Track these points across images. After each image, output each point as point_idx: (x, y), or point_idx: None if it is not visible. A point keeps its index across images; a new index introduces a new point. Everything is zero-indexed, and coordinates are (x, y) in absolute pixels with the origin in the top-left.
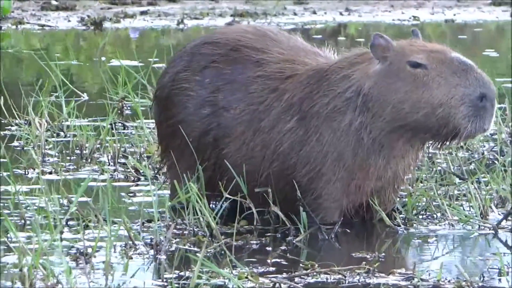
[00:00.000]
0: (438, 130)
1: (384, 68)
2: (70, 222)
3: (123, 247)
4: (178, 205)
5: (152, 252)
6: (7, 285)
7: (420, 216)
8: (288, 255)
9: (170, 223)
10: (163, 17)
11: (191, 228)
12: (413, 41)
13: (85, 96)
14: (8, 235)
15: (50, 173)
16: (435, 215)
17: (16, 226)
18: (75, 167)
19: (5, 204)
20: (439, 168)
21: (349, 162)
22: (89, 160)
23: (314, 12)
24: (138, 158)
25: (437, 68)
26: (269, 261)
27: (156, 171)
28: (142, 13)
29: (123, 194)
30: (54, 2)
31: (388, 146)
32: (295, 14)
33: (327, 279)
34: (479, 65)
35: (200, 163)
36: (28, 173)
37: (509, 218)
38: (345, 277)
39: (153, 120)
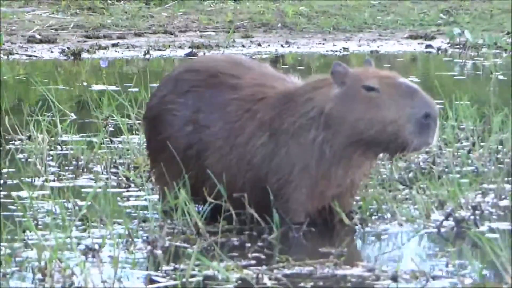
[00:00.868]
0: (389, 144)
1: (343, 91)
2: (76, 223)
3: (125, 244)
4: (168, 208)
5: (149, 247)
6: (29, 276)
7: (373, 217)
8: (265, 250)
9: (162, 223)
10: (131, 48)
11: (180, 228)
12: (366, 68)
13: (73, 115)
14: (25, 234)
15: (54, 181)
16: (385, 216)
17: (27, 226)
18: (74, 175)
19: (18, 207)
20: (384, 176)
21: (313, 171)
22: (85, 170)
23: (259, 44)
24: (127, 168)
25: (387, 91)
26: (249, 255)
27: (144, 180)
28: (114, 45)
29: (118, 198)
30: (38, 36)
31: (346, 158)
32: (243, 46)
33: (301, 270)
34: None
35: (185, 172)
36: (34, 181)
37: (449, 218)
38: (316, 269)
39: (136, 136)
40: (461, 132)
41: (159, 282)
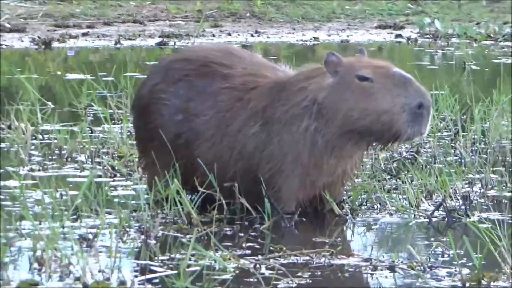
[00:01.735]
0: (382, 134)
1: (336, 81)
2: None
3: (118, 233)
4: (159, 198)
5: (143, 237)
6: (25, 266)
7: (363, 207)
8: (258, 240)
9: (154, 212)
10: (102, 38)
11: (171, 218)
12: (360, 58)
13: (51, 105)
14: (18, 223)
15: (39, 170)
16: (375, 206)
17: (21, 216)
18: (58, 165)
19: (7, 197)
20: (368, 166)
21: (305, 161)
22: (69, 160)
23: (229, 34)
24: (112, 157)
25: (381, 81)
26: (243, 245)
27: (129, 169)
28: (84, 34)
29: (106, 188)
30: (7, 25)
31: (339, 147)
32: (213, 35)
33: (297, 260)
34: None
35: (175, 162)
36: (19, 171)
37: (440, 208)
38: (313, 258)
39: (117, 125)
40: (441, 122)
41: (156, 272)
